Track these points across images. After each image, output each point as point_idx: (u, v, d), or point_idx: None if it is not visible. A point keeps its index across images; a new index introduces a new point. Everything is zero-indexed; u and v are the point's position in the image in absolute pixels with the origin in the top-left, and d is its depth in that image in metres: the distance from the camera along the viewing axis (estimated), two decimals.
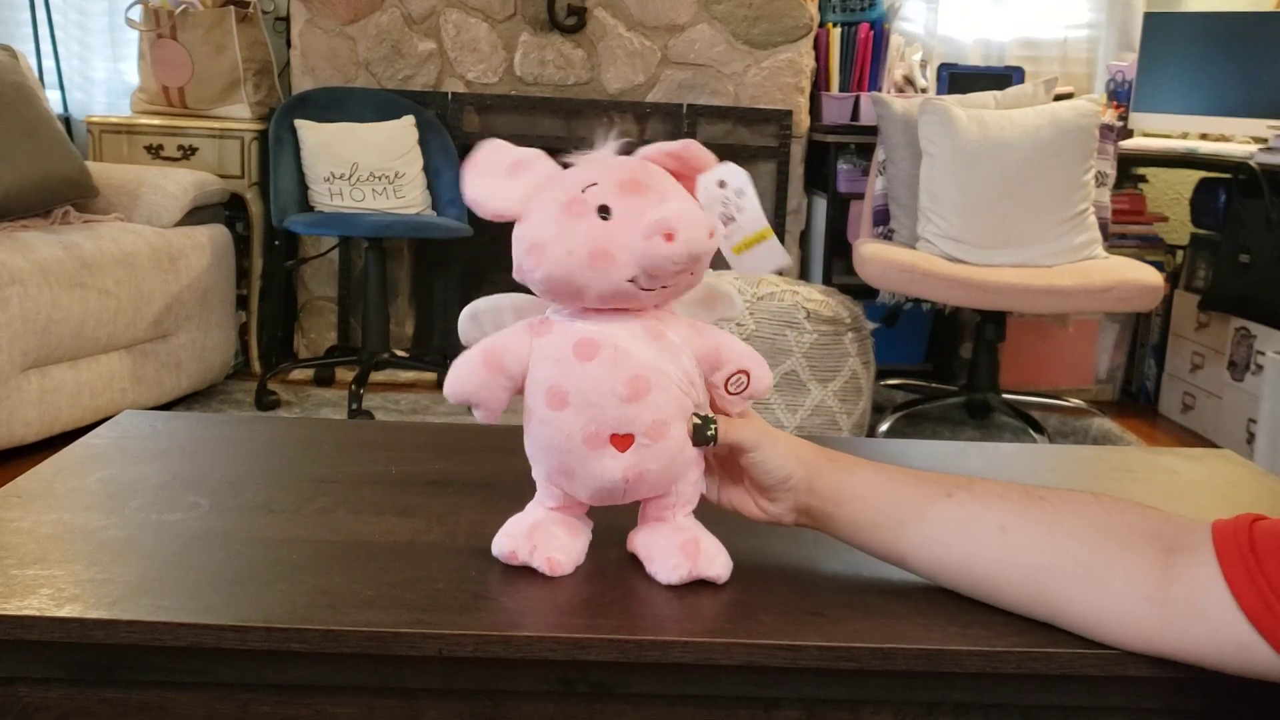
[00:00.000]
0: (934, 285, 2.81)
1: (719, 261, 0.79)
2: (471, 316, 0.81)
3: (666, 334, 0.76)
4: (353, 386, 2.95)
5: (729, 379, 0.78)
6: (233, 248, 3.20)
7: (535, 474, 0.80)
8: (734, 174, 0.79)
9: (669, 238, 0.70)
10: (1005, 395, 3.11)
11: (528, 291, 0.79)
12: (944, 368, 3.64)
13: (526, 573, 0.78)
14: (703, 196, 0.78)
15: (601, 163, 0.77)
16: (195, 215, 3.06)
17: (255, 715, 0.72)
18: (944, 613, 0.75)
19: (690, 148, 0.79)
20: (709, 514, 0.81)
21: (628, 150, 0.79)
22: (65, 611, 0.69)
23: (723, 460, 0.82)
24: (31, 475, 0.93)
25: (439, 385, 3.32)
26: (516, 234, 0.76)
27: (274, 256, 3.39)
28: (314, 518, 0.87)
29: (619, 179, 0.74)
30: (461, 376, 0.77)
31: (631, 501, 0.79)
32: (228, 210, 3.26)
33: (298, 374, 3.37)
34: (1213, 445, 3.06)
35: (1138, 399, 3.63)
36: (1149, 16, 3.50)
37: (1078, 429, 3.18)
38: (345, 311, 3.50)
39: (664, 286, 0.74)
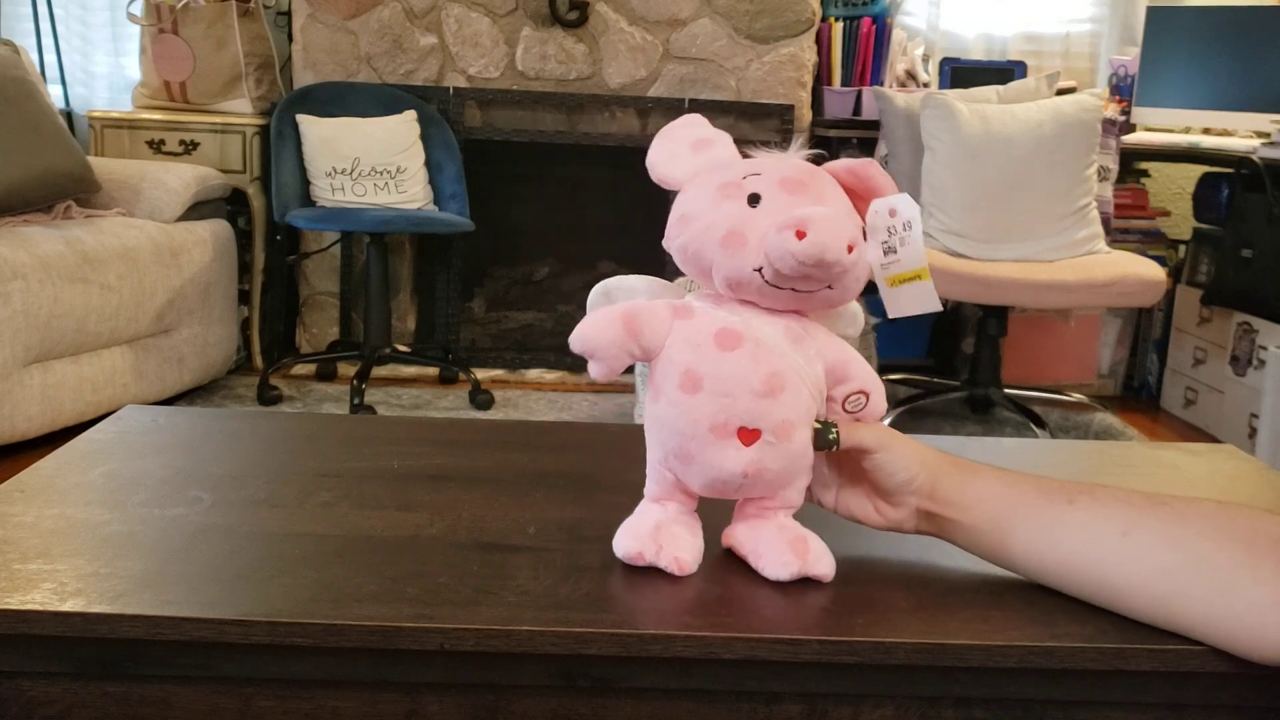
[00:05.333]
0: (936, 280, 2.80)
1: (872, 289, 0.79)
2: (604, 293, 0.82)
3: (805, 338, 0.76)
4: (354, 381, 2.95)
5: (848, 397, 0.78)
6: (234, 243, 3.20)
7: (650, 457, 0.79)
8: (907, 206, 0.78)
9: (800, 235, 0.70)
10: (1007, 390, 3.10)
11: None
12: (946, 363, 3.64)
13: (526, 567, 0.78)
14: (871, 221, 0.78)
15: (777, 159, 0.77)
16: (197, 210, 3.06)
17: (257, 709, 0.72)
18: (944, 607, 0.75)
19: (869, 167, 0.78)
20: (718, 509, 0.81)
21: (815, 162, 0.79)
22: (68, 606, 0.69)
23: (843, 466, 0.81)
24: (34, 470, 0.93)
25: (440, 380, 3.33)
26: (675, 203, 0.78)
27: (276, 251, 3.39)
28: (316, 512, 0.87)
29: (783, 175, 0.75)
30: (596, 327, 0.76)
31: (740, 498, 0.79)
32: (229, 205, 3.26)
33: (299, 369, 3.37)
34: (1215, 440, 3.06)
35: (1140, 394, 3.63)
36: (1151, 11, 3.49)
37: (1080, 424, 3.18)
38: (347, 306, 3.50)
39: (794, 290, 0.73)
